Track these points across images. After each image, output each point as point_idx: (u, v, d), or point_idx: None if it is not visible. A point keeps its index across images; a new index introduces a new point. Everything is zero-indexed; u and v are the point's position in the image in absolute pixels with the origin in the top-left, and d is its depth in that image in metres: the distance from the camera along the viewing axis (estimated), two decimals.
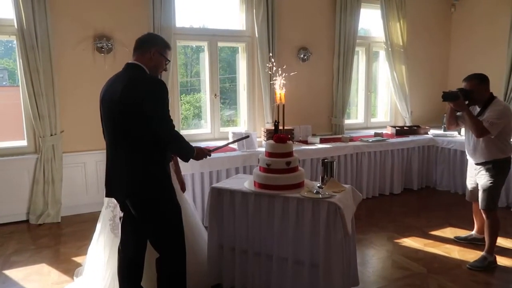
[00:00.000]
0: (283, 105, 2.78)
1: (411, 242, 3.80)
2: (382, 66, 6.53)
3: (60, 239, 3.98)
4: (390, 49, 6.09)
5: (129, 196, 2.27)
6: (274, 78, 2.87)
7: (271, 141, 2.72)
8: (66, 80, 4.41)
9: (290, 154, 2.71)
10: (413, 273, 3.21)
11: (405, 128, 5.96)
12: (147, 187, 2.23)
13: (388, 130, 5.96)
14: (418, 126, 6.02)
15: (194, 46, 5.49)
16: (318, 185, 2.75)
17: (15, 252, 3.67)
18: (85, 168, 4.64)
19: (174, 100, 5.02)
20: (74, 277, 3.07)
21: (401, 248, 3.67)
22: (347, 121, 6.18)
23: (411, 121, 6.36)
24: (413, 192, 5.45)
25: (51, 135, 4.36)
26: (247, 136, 3.37)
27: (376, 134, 5.51)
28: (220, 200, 2.80)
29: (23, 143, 4.52)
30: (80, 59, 4.45)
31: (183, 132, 5.26)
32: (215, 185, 2.90)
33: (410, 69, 6.23)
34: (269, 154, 2.70)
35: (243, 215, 2.74)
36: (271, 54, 4.69)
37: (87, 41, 4.48)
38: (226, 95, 5.93)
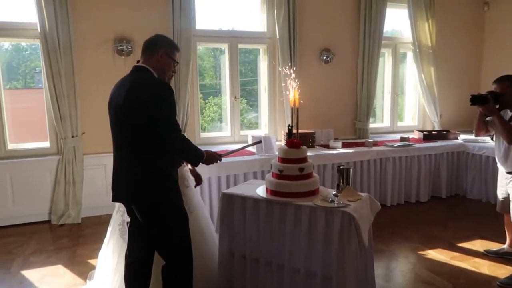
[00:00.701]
0: (297, 109, 2.67)
1: (437, 254, 3.58)
2: (410, 68, 6.28)
3: (78, 240, 4.02)
4: (418, 50, 5.85)
5: (134, 201, 2.23)
6: (286, 79, 2.75)
7: (284, 146, 2.62)
8: (87, 82, 4.46)
9: (303, 160, 2.59)
10: None
11: (433, 132, 5.69)
12: (152, 191, 2.17)
13: (415, 135, 5.71)
14: (447, 131, 5.74)
15: (223, 48, 5.44)
16: (333, 193, 2.62)
17: (34, 252, 3.73)
18: (105, 170, 4.67)
19: (194, 103, 4.99)
20: (87, 280, 3.07)
21: (425, 261, 3.46)
22: (372, 125, 5.99)
23: (440, 125, 6.08)
24: (441, 200, 5.18)
25: (72, 136, 4.42)
26: (260, 141, 3.27)
27: (402, 139, 5.29)
28: (231, 206, 2.72)
29: (46, 144, 4.61)
30: (101, 61, 4.50)
31: (203, 135, 5.24)
32: (226, 190, 2.82)
33: (439, 71, 5.97)
34: (282, 160, 2.59)
35: (254, 223, 2.64)
36: (290, 64, 4.58)
37: (108, 44, 4.52)
38: (254, 97, 5.86)
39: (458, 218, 4.52)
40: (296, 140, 2.61)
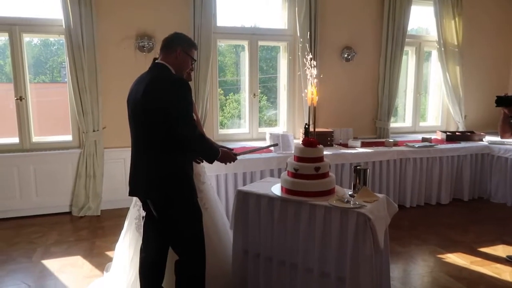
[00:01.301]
0: (314, 107, 2.64)
1: (456, 258, 3.49)
2: (434, 67, 6.12)
3: (97, 232, 4.10)
4: (443, 48, 5.70)
5: (149, 196, 2.26)
6: (302, 72, 2.72)
7: (300, 145, 2.60)
8: (108, 78, 4.54)
9: (319, 159, 2.56)
10: None
11: (457, 133, 5.54)
12: (166, 187, 2.20)
13: (438, 135, 5.58)
14: (472, 132, 5.57)
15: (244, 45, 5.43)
16: (350, 193, 2.58)
17: (55, 243, 3.83)
18: (125, 164, 4.75)
19: (213, 100, 5.01)
20: (104, 272, 3.13)
21: (444, 265, 3.38)
22: (393, 125, 5.89)
23: (465, 126, 5.91)
24: (463, 203, 5.04)
25: (94, 131, 4.52)
26: (276, 144, 3.29)
27: (423, 139, 5.17)
28: (246, 204, 2.71)
29: (69, 137, 4.72)
30: (122, 57, 4.57)
31: (222, 132, 5.26)
32: (241, 188, 2.81)
33: (465, 70, 5.80)
34: (298, 159, 2.58)
35: (268, 221, 2.63)
36: (311, 56, 4.51)
37: (130, 40, 4.59)
38: (276, 94, 5.82)
39: (480, 222, 4.39)
40: (313, 139, 2.59)
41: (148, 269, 2.41)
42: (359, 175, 2.58)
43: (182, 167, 2.25)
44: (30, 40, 4.95)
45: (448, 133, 5.44)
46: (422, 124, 6.19)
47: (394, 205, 2.66)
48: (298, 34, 5.04)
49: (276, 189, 2.68)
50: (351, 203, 2.40)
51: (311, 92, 2.64)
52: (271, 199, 2.61)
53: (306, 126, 2.65)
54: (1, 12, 4.35)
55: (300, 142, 2.64)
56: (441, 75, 5.84)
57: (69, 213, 4.61)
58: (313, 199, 2.47)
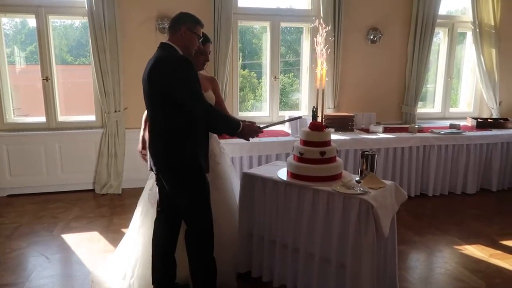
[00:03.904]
0: (323, 90, 2.57)
1: (474, 250, 3.34)
2: (468, 50, 5.79)
3: (116, 210, 4.24)
4: (478, 30, 5.37)
5: (161, 171, 2.31)
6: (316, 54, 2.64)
7: (306, 129, 2.54)
8: (129, 59, 4.60)
9: (325, 143, 2.49)
10: (468, 286, 2.81)
11: (489, 120, 5.24)
12: (176, 164, 2.23)
13: (468, 122, 5.31)
14: (505, 119, 5.26)
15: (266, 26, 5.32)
16: (356, 179, 2.51)
17: (76, 218, 4.00)
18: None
19: (233, 82, 4.98)
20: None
21: (460, 256, 3.25)
22: (421, 110, 5.67)
23: (499, 113, 5.58)
24: (490, 193, 4.81)
25: (115, 111, 4.62)
26: (300, 117, 3.22)
27: (451, 126, 4.94)
28: (252, 187, 2.70)
29: (92, 118, 4.86)
30: (143, 39, 4.61)
31: (241, 114, 5.24)
32: (247, 171, 2.80)
33: (502, 54, 5.47)
34: (303, 142, 2.52)
35: (273, 205, 2.61)
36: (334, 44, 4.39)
37: (150, 22, 4.62)
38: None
39: (507, 214, 4.18)
40: (319, 123, 2.52)
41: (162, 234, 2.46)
42: (367, 160, 2.50)
43: (194, 145, 2.25)
44: (72, 23, 5.10)
45: (479, 120, 5.16)
46: (452, 110, 5.91)
47: (403, 192, 2.57)
48: (322, 15, 4.89)
49: (282, 173, 2.65)
50: (356, 189, 2.34)
51: (319, 74, 2.56)
52: (276, 182, 2.59)
53: (314, 109, 2.59)
54: None
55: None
56: (475, 58, 5.52)
57: (92, 190, 4.78)
58: (317, 184, 2.42)
